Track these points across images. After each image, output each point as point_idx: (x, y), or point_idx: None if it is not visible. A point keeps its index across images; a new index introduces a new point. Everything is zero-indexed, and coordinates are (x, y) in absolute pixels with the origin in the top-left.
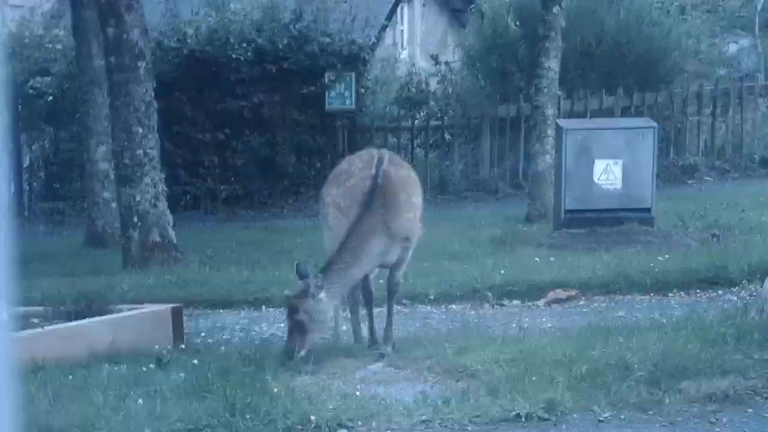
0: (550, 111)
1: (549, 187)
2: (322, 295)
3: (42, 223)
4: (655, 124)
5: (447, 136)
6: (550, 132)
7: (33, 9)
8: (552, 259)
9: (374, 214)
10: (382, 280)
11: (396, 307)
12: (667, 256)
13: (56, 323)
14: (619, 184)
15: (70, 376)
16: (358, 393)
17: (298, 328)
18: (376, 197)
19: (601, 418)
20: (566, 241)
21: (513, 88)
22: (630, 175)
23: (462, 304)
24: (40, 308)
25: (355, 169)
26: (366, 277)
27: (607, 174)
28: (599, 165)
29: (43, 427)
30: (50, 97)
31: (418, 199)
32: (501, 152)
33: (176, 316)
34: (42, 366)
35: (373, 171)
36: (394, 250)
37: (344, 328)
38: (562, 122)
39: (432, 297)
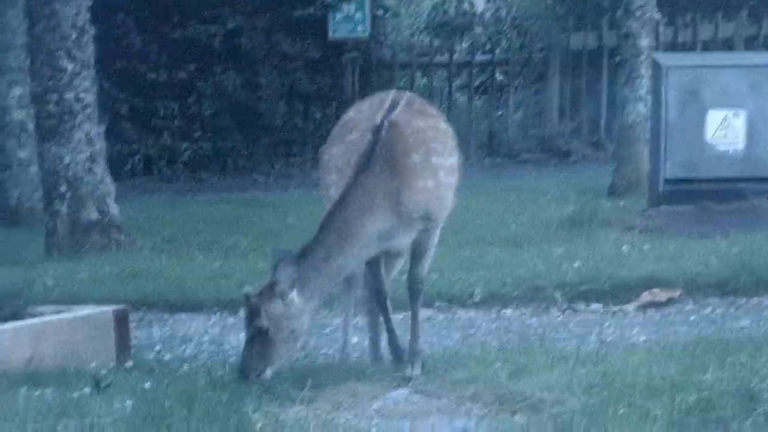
0: (645, 42)
1: (642, 147)
2: (294, 295)
3: None
4: None
5: (499, 76)
6: (645, 71)
7: None
8: (646, 246)
9: (373, 182)
10: (404, 277)
11: (425, 313)
12: None
13: None
14: (740, 145)
15: None
16: (374, 430)
17: (260, 339)
18: (377, 158)
19: None
20: (666, 222)
21: (592, 9)
22: (757, 132)
23: (520, 309)
24: None
25: (361, 118)
26: (376, 270)
27: (725, 130)
28: (714, 117)
29: None
30: None
31: (445, 159)
32: (575, 99)
33: (120, 322)
34: None
35: (378, 120)
36: (404, 234)
37: (355, 339)
38: (662, 57)
39: (478, 299)
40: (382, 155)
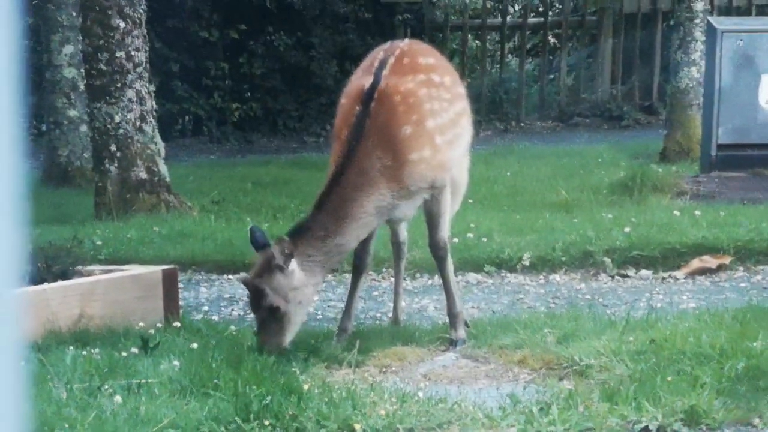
0: (700, 5)
1: (695, 112)
2: (294, 266)
3: None
4: None
5: (551, 39)
6: (699, 35)
7: None
8: (698, 213)
9: (366, 159)
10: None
11: (476, 277)
12: None
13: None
14: None
15: (22, 362)
16: (421, 394)
17: (272, 317)
18: (367, 133)
19: None
20: (718, 189)
21: None
22: None
23: (569, 274)
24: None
25: (355, 81)
26: (366, 240)
27: None
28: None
29: None
30: None
31: (444, 115)
32: (627, 63)
33: (169, 282)
34: None
35: (366, 86)
36: (407, 205)
37: (403, 303)
38: (717, 21)
39: (526, 264)
40: (373, 130)
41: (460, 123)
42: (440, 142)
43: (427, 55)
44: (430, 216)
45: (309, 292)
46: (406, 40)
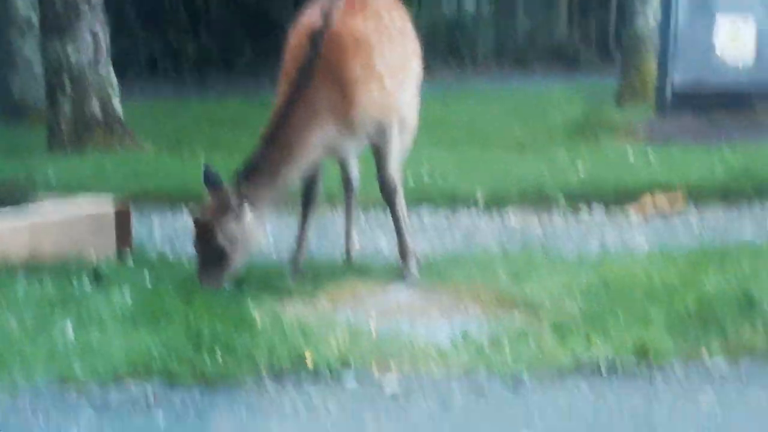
0: None
1: (650, 56)
2: (247, 212)
3: None
4: None
5: None
6: None
7: None
8: (651, 154)
9: (314, 97)
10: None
11: (428, 214)
12: None
13: None
14: (750, 54)
15: None
16: (372, 328)
17: (215, 255)
18: (316, 71)
19: (711, 369)
20: (672, 131)
21: None
22: (766, 43)
23: (522, 213)
24: None
25: (306, 18)
26: (313, 171)
27: (734, 39)
28: (723, 25)
29: None
30: None
31: (394, 57)
32: (584, 6)
33: (121, 216)
34: None
35: (317, 25)
36: (351, 142)
37: (356, 239)
38: None
39: (480, 201)
40: (323, 70)
41: (410, 65)
42: (389, 82)
43: None
44: (378, 154)
45: (256, 234)
46: None
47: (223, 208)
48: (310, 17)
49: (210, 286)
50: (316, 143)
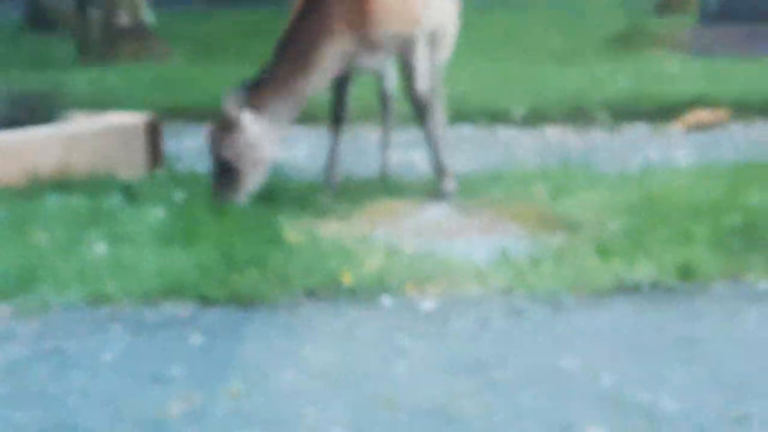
0: None
1: None
2: (252, 122)
3: None
4: None
5: None
6: None
7: None
8: (695, 66)
9: (326, 6)
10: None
11: (468, 130)
12: None
13: None
14: None
15: (2, 208)
16: (408, 247)
17: (225, 169)
18: None
19: (757, 289)
20: (715, 42)
21: None
22: None
23: (562, 127)
24: None
25: None
26: (341, 89)
27: None
28: None
29: None
30: None
31: None
32: None
33: (152, 129)
34: None
35: None
36: (373, 55)
37: (394, 156)
38: None
39: (519, 116)
40: None
41: None
42: None
43: None
44: (405, 68)
45: (267, 146)
46: None
47: (225, 121)
48: None
49: (222, 201)
50: (330, 55)
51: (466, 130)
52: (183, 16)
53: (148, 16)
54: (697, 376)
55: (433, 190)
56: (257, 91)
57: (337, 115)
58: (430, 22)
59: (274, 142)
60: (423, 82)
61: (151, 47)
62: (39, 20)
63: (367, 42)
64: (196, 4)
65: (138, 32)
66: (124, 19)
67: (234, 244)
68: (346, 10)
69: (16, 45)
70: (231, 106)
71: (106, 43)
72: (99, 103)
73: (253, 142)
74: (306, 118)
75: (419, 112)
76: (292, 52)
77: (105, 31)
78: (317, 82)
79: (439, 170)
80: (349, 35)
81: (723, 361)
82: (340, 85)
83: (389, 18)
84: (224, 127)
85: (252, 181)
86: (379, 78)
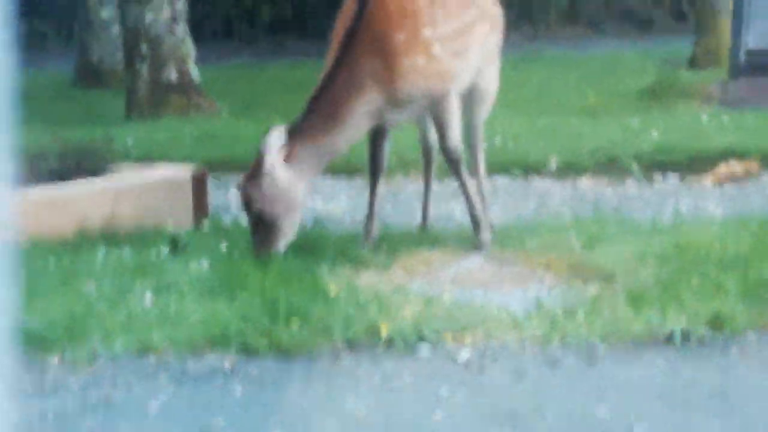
0: None
1: (725, 18)
2: (281, 170)
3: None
4: None
5: None
6: None
7: None
8: (725, 118)
9: (357, 62)
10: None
11: (503, 181)
12: None
13: (33, 187)
14: None
15: (52, 260)
16: (446, 297)
17: (260, 220)
18: (361, 35)
19: None
20: (747, 95)
21: None
22: None
23: (595, 179)
24: (12, 167)
25: None
26: (377, 142)
27: None
28: None
29: (14, 327)
30: None
31: (448, 24)
32: None
33: (198, 182)
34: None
35: None
36: (401, 111)
37: (431, 207)
38: None
39: (552, 168)
40: (366, 33)
41: (471, 32)
42: (439, 51)
43: None
44: (437, 124)
45: (298, 196)
46: None
47: (257, 171)
48: None
49: (260, 253)
50: (360, 112)
51: (501, 181)
52: (229, 72)
53: (194, 72)
54: (729, 427)
55: (470, 241)
56: (288, 142)
57: (374, 167)
58: (461, 75)
59: (305, 191)
60: (454, 137)
61: (197, 103)
62: (89, 76)
63: (396, 99)
64: (241, 59)
65: (185, 88)
66: (171, 74)
67: (276, 295)
68: (377, 67)
69: (66, 100)
70: (267, 156)
71: (153, 98)
72: (146, 156)
73: (283, 189)
74: (345, 170)
75: (451, 164)
76: (322, 106)
77: (153, 86)
78: (347, 137)
79: (475, 222)
80: (379, 92)
81: (755, 412)
82: (377, 136)
83: (419, 76)
84: (254, 176)
85: (286, 228)
86: (420, 130)
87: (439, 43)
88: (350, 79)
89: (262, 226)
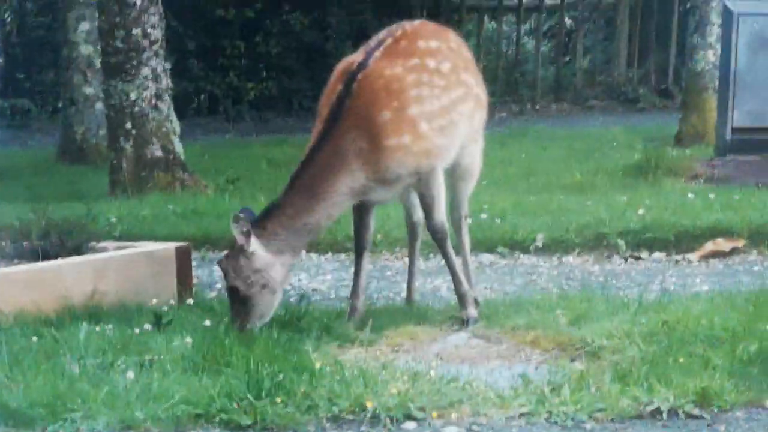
0: None
1: (711, 96)
2: (258, 248)
3: (1, 127)
4: None
5: (568, 21)
6: (715, 18)
7: None
8: (711, 196)
9: (341, 140)
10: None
11: (489, 258)
12: None
13: (17, 264)
14: None
15: (35, 337)
16: (432, 373)
17: (237, 296)
18: (345, 114)
19: None
20: (732, 172)
21: None
22: None
23: (582, 256)
24: None
25: (349, 60)
26: (361, 219)
27: None
28: None
29: None
30: None
31: (433, 103)
32: (643, 46)
33: (182, 259)
34: None
35: (354, 66)
36: (385, 190)
37: (417, 283)
38: (733, 4)
39: (540, 245)
40: (351, 111)
41: (457, 110)
42: (425, 129)
43: (431, 38)
44: (422, 201)
45: (276, 274)
46: (417, 21)
47: (234, 249)
48: (352, 57)
49: (238, 329)
50: (342, 190)
51: (487, 258)
52: (213, 148)
53: (179, 148)
54: None
55: (455, 316)
56: (267, 220)
57: (359, 243)
58: (446, 153)
59: (284, 269)
60: (440, 213)
61: (182, 179)
62: (73, 152)
63: (383, 178)
64: (225, 135)
65: (169, 164)
66: (156, 151)
67: (261, 371)
68: (362, 146)
69: (50, 177)
70: (238, 232)
71: (137, 175)
72: (130, 233)
73: (260, 268)
74: (331, 246)
75: (437, 241)
76: (304, 184)
77: (137, 163)
78: (328, 215)
79: (461, 296)
80: (364, 171)
81: None
82: (362, 212)
83: (405, 154)
84: (233, 255)
85: (263, 307)
86: (405, 206)
87: (426, 121)
88: (334, 157)
89: (238, 302)
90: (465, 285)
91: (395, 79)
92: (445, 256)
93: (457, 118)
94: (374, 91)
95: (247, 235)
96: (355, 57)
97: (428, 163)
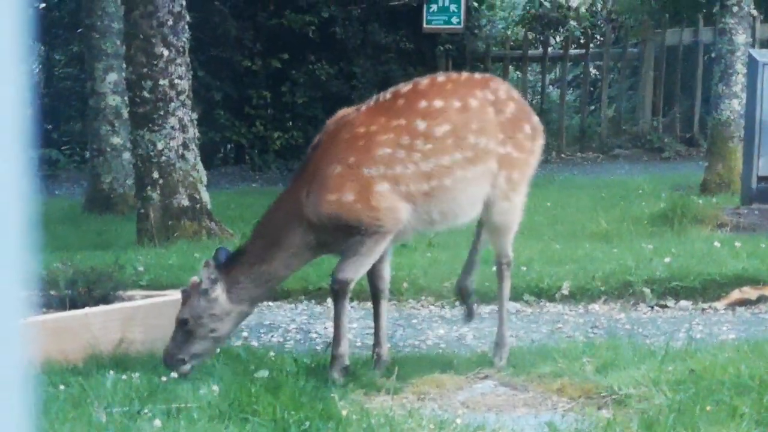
0: (741, 38)
1: (736, 145)
2: (218, 293)
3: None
4: None
5: (593, 71)
6: (741, 67)
7: None
8: (737, 244)
9: (300, 187)
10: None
11: (516, 306)
12: None
13: (45, 313)
14: None
15: (62, 386)
16: (458, 421)
17: (182, 330)
18: (311, 161)
19: None
20: (758, 221)
21: (688, 4)
22: None
23: (608, 304)
24: (24, 292)
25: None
26: (377, 261)
27: None
28: None
29: None
30: (41, 4)
31: (409, 168)
32: (669, 95)
33: None
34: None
35: (342, 116)
36: (342, 241)
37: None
38: (758, 53)
39: (566, 293)
40: (314, 161)
41: (454, 174)
42: (383, 190)
43: (443, 97)
44: (346, 249)
45: (228, 324)
46: (441, 77)
47: (198, 286)
48: (347, 110)
49: (168, 362)
50: (297, 240)
51: (513, 306)
52: (240, 197)
53: (206, 197)
54: None
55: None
56: (231, 266)
57: (372, 291)
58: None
59: (237, 320)
60: (351, 273)
61: (208, 228)
62: (100, 202)
63: (322, 229)
64: (251, 184)
65: (195, 212)
66: (182, 200)
67: (287, 419)
68: (310, 197)
69: (77, 226)
70: (205, 278)
71: (164, 224)
72: (157, 281)
73: (217, 314)
74: (357, 295)
75: (332, 293)
76: (265, 233)
77: (164, 212)
78: (287, 264)
79: (332, 358)
80: (308, 222)
81: None
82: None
83: (345, 211)
84: (196, 292)
85: (202, 350)
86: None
87: (390, 183)
88: (292, 205)
89: (180, 337)
90: (341, 348)
91: (363, 137)
92: (336, 311)
93: (450, 182)
94: (336, 143)
95: (214, 282)
96: (349, 110)
97: (373, 223)
